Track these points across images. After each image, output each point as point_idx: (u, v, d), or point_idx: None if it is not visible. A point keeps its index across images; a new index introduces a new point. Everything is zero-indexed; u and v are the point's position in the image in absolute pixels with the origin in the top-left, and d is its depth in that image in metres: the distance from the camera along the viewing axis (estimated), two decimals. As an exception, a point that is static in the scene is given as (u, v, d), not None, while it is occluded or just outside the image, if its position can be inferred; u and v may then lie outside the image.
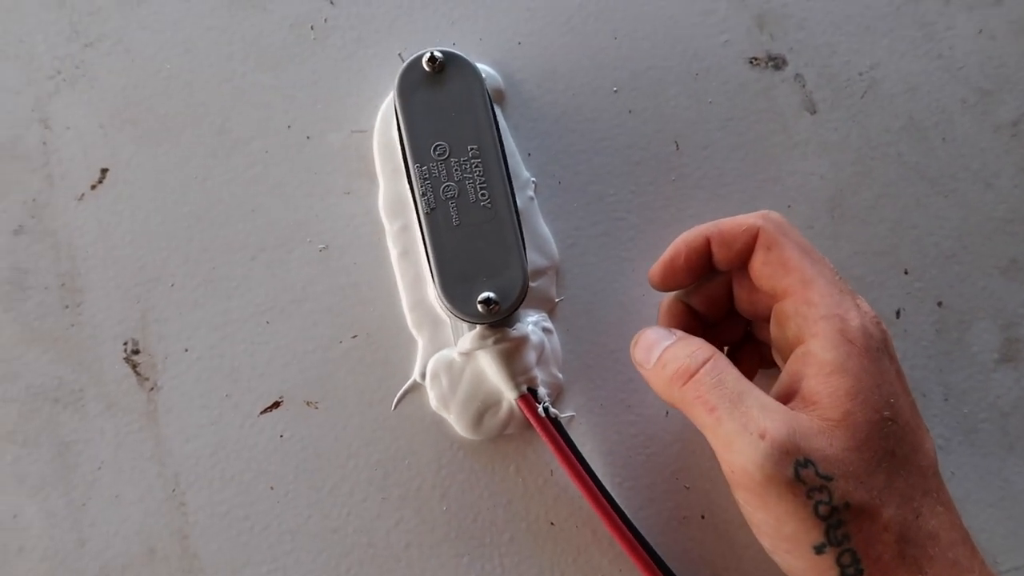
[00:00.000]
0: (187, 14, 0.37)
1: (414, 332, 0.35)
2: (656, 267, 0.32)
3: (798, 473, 0.25)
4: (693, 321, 0.33)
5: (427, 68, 0.32)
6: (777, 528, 0.26)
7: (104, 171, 0.36)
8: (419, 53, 0.32)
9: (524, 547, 0.34)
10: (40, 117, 0.37)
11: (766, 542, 0.27)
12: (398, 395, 0.35)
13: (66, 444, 0.35)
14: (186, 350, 0.35)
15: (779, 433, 0.25)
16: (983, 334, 0.37)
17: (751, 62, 0.38)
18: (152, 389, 0.35)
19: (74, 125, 0.37)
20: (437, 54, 0.32)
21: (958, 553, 0.26)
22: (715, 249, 0.31)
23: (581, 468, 0.33)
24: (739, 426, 0.26)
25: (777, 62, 0.38)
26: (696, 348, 0.28)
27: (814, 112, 0.38)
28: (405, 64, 0.32)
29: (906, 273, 0.37)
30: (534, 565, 0.34)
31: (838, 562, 0.25)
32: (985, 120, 0.38)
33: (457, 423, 0.35)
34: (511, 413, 0.34)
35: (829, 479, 0.25)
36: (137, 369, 0.35)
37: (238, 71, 0.37)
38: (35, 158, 0.36)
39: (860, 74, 0.38)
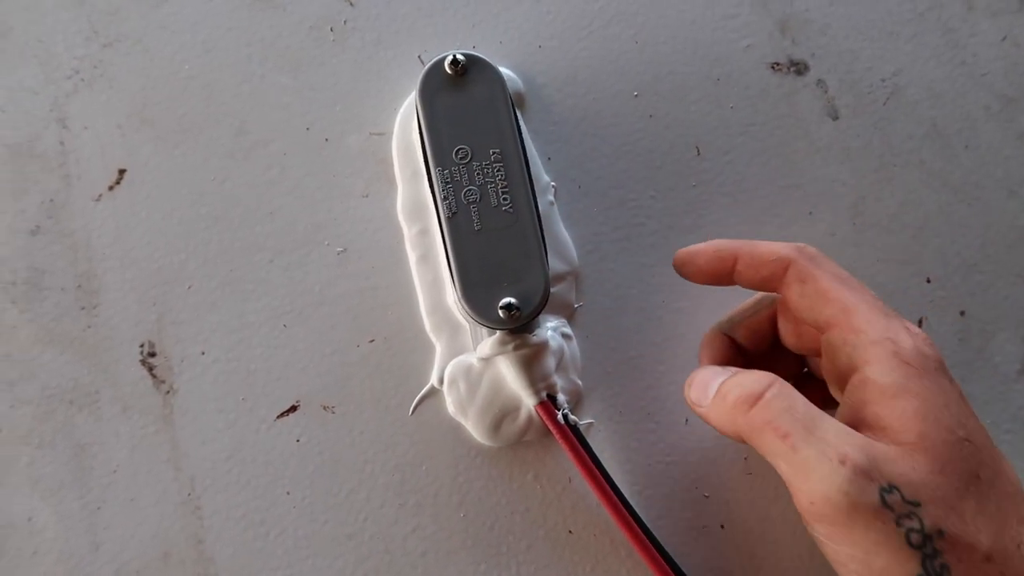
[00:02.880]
0: (206, 15, 0.37)
1: (432, 337, 0.35)
2: (684, 252, 0.31)
3: (884, 499, 0.23)
4: (737, 356, 0.32)
5: (449, 71, 0.32)
6: (867, 563, 0.24)
7: (122, 172, 0.36)
8: (441, 55, 0.32)
9: (542, 555, 0.34)
10: (58, 117, 0.36)
11: None
12: (416, 400, 0.35)
13: (81, 446, 0.34)
14: (203, 353, 0.35)
15: (860, 457, 0.24)
16: (1006, 344, 0.37)
17: (773, 67, 0.38)
18: (168, 392, 0.35)
19: (92, 125, 0.36)
20: (459, 57, 0.32)
21: None
22: (741, 268, 0.30)
23: (600, 476, 0.32)
24: (817, 452, 0.24)
25: (799, 67, 0.38)
26: (759, 375, 0.27)
27: (836, 118, 0.38)
28: (427, 67, 0.32)
29: (928, 281, 0.37)
30: (552, 573, 0.34)
31: None
32: (1009, 127, 0.38)
33: (475, 429, 0.34)
34: (530, 420, 0.34)
35: (917, 505, 0.23)
36: (153, 372, 0.35)
37: (257, 72, 0.37)
38: (52, 158, 0.36)
39: (883, 80, 0.38)
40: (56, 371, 0.35)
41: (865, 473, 0.23)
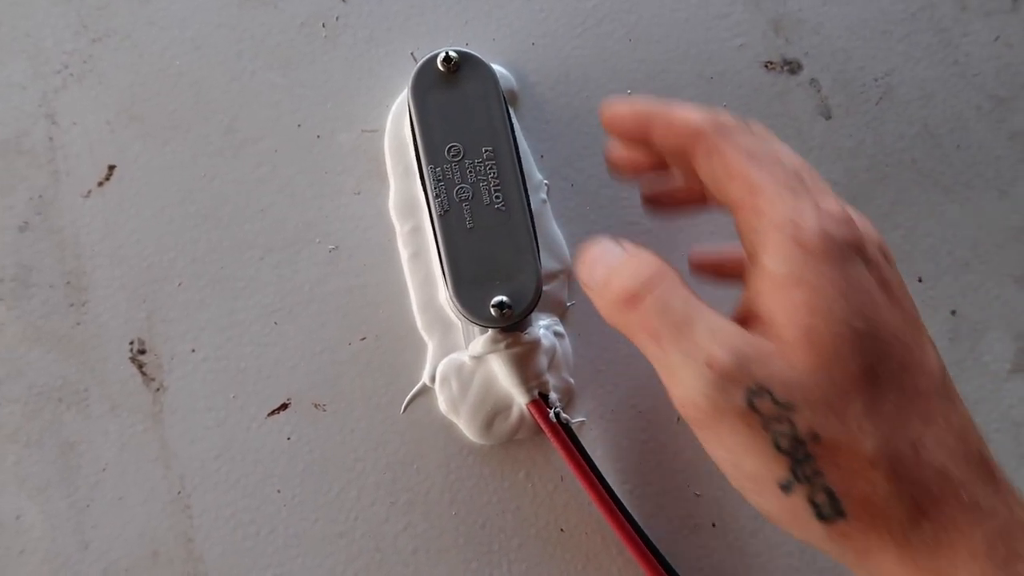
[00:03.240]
0: (197, 11, 0.37)
1: (424, 335, 0.35)
2: (607, 110, 0.28)
3: (752, 402, 0.22)
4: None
5: (442, 68, 0.32)
6: (737, 466, 0.23)
7: (111, 168, 0.36)
8: (434, 53, 0.32)
9: (533, 553, 0.34)
10: (47, 112, 0.36)
11: (733, 483, 0.24)
12: (407, 398, 0.35)
13: (70, 444, 0.34)
14: (193, 351, 0.35)
15: (728, 359, 0.22)
16: (996, 344, 0.37)
17: (766, 66, 0.38)
18: (158, 390, 0.35)
19: (81, 121, 0.36)
20: (452, 54, 0.32)
21: (977, 492, 0.21)
22: (655, 136, 0.27)
23: (592, 474, 0.32)
24: (683, 355, 0.23)
25: (792, 66, 0.38)
26: (642, 266, 0.25)
27: (829, 117, 0.38)
28: (420, 64, 0.32)
29: (920, 281, 0.37)
30: (543, 571, 0.34)
31: (812, 501, 0.22)
32: (1000, 128, 0.38)
33: (467, 427, 0.34)
34: (522, 418, 0.34)
35: (790, 407, 0.21)
36: (143, 369, 0.35)
37: (248, 69, 0.37)
38: (41, 154, 0.36)
39: (875, 80, 0.38)
40: (44, 369, 0.35)
41: (731, 376, 0.22)
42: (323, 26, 0.37)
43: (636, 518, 0.33)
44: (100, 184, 0.36)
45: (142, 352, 0.35)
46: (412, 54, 0.37)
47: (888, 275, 0.24)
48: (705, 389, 0.22)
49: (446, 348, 0.35)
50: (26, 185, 0.36)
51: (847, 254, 0.23)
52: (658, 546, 0.32)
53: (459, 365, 0.34)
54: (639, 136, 0.27)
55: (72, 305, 0.35)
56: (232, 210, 0.36)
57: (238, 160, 0.36)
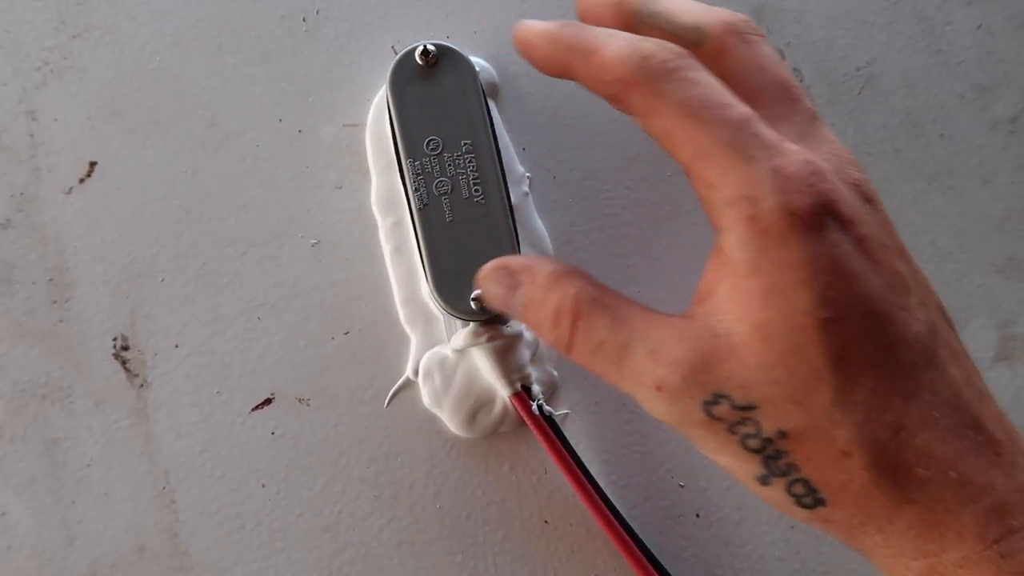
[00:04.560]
0: (176, 5, 0.37)
1: (407, 329, 0.35)
2: (522, 31, 0.26)
3: (710, 412, 0.21)
4: None
5: (420, 61, 0.32)
6: (717, 463, 0.23)
7: (92, 164, 0.36)
8: (412, 46, 0.32)
9: (518, 546, 0.34)
10: (27, 109, 0.36)
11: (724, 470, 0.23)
12: (391, 392, 0.35)
13: (54, 441, 0.34)
14: (176, 346, 0.35)
15: (674, 377, 0.21)
16: (979, 332, 0.37)
17: (748, 56, 0.38)
18: (142, 386, 0.35)
19: (62, 117, 0.36)
20: (430, 47, 0.32)
21: (969, 467, 0.20)
22: (580, 78, 0.24)
23: (575, 466, 0.33)
24: (633, 385, 0.22)
25: (774, 57, 0.38)
26: (555, 304, 0.23)
27: (811, 107, 0.38)
28: (398, 57, 0.32)
29: (902, 270, 0.37)
30: (527, 564, 0.34)
31: (790, 492, 0.21)
32: (983, 116, 0.38)
33: (450, 421, 0.34)
34: (505, 411, 0.34)
35: (751, 408, 0.21)
36: (126, 365, 0.35)
37: (228, 63, 0.37)
38: (22, 151, 0.36)
39: (857, 69, 0.38)
40: (27, 366, 0.35)
41: (683, 392, 0.21)
42: (303, 20, 0.37)
43: (620, 509, 0.33)
44: (82, 180, 0.36)
45: (125, 348, 0.35)
46: (393, 47, 0.37)
47: (867, 229, 0.21)
48: (662, 410, 0.22)
49: (429, 342, 0.35)
50: (7, 182, 0.36)
51: (813, 225, 0.20)
52: (642, 537, 0.33)
53: (442, 359, 0.34)
54: (560, 72, 0.24)
55: (55, 302, 0.35)
56: (214, 205, 0.36)
57: (220, 155, 0.36)
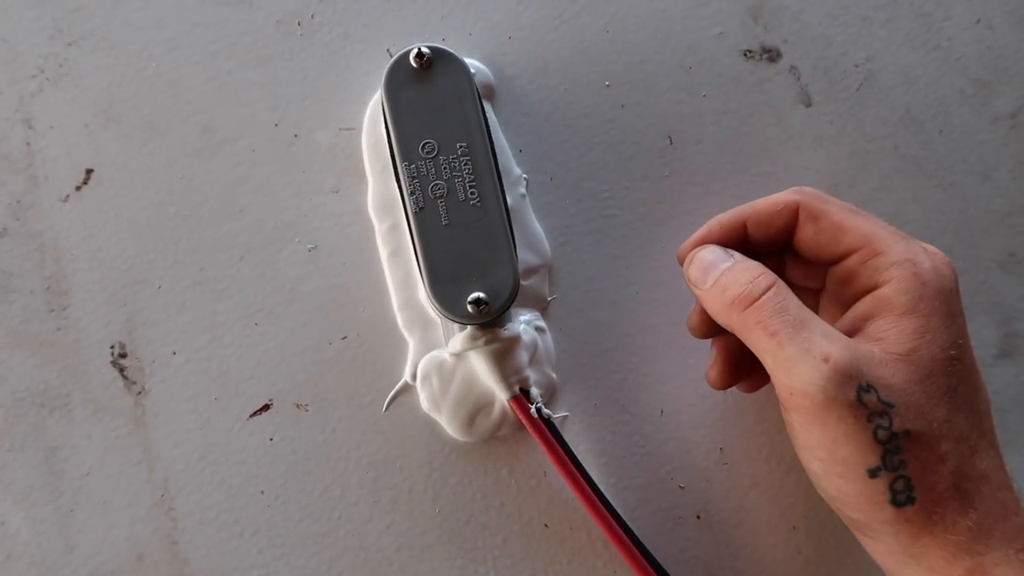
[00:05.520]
0: (172, 11, 0.37)
1: (405, 333, 0.35)
2: (686, 244, 0.31)
3: (860, 397, 0.25)
4: (741, 244, 0.32)
5: (414, 64, 0.32)
6: (832, 451, 0.26)
7: (89, 172, 0.36)
8: (406, 49, 0.32)
9: (517, 550, 0.34)
10: (23, 117, 0.36)
11: (817, 466, 0.27)
12: (389, 397, 0.35)
13: (53, 449, 0.34)
14: (174, 353, 0.35)
15: (843, 358, 0.26)
16: (981, 330, 0.37)
17: (745, 55, 0.38)
18: (140, 393, 0.35)
19: (58, 125, 0.36)
20: (424, 50, 0.31)
21: (1006, 496, 0.26)
22: (752, 231, 0.30)
23: (574, 469, 0.32)
24: (801, 350, 0.26)
25: (772, 54, 0.38)
26: (758, 274, 0.28)
27: (809, 105, 0.37)
28: (392, 61, 0.32)
29: (904, 268, 0.37)
30: (527, 568, 0.34)
31: (891, 487, 0.26)
32: (983, 112, 0.38)
33: (449, 425, 0.34)
34: (503, 414, 0.34)
35: (890, 405, 0.25)
36: (124, 373, 0.35)
37: (224, 68, 0.36)
38: (19, 159, 0.36)
39: (856, 66, 0.38)
40: (26, 374, 0.35)
41: (845, 371, 0.25)
42: (299, 24, 0.37)
43: (620, 512, 0.32)
44: (78, 188, 0.36)
45: (123, 356, 0.35)
46: (388, 50, 0.37)
47: (962, 309, 0.28)
48: (821, 381, 0.26)
49: (427, 346, 0.35)
50: (4, 190, 0.36)
51: (952, 289, 0.28)
52: (643, 539, 0.32)
53: (440, 362, 0.34)
54: (734, 236, 0.31)
55: (53, 310, 0.35)
56: (211, 211, 0.36)
57: (216, 160, 0.36)
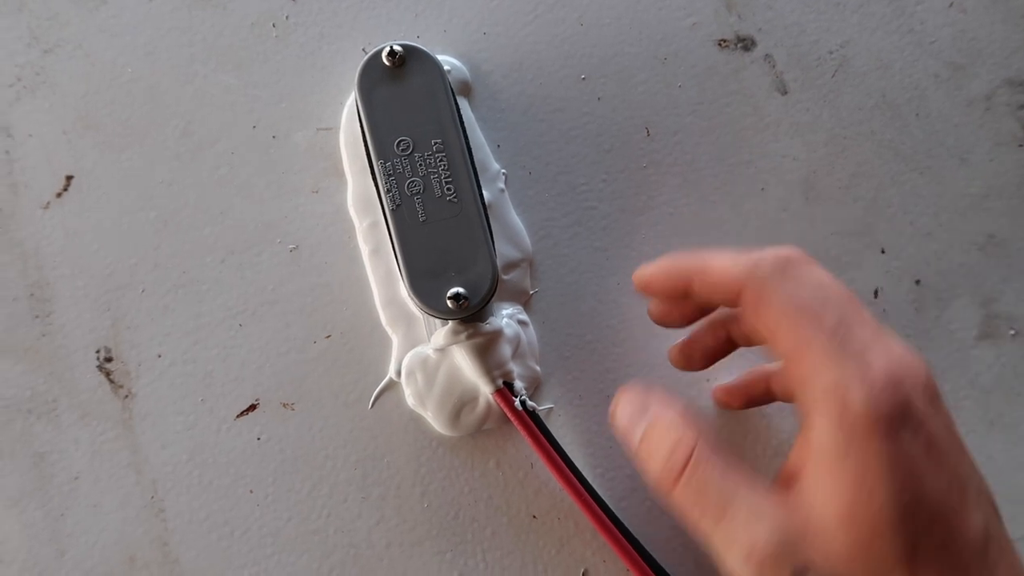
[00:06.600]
0: (146, 17, 0.37)
1: (388, 330, 0.35)
2: (639, 275, 0.30)
3: None
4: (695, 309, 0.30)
5: (387, 63, 0.32)
6: None
7: (69, 178, 0.36)
8: (378, 48, 0.32)
9: (506, 541, 0.34)
10: (1, 126, 0.36)
11: None
12: (374, 394, 0.35)
13: (41, 455, 0.34)
14: (159, 356, 0.35)
15: (770, 544, 0.23)
16: (962, 311, 0.37)
17: (720, 44, 0.38)
18: (127, 397, 0.35)
19: (37, 133, 0.36)
20: (397, 48, 0.32)
21: None
22: (696, 292, 0.28)
23: (560, 460, 0.33)
24: (726, 541, 0.24)
25: (746, 43, 0.38)
26: (676, 440, 0.26)
27: (785, 93, 0.38)
28: (364, 60, 0.32)
29: (883, 252, 0.37)
30: (517, 559, 0.34)
31: None
32: (958, 95, 0.38)
33: (435, 420, 0.34)
34: (488, 408, 0.34)
35: None
36: (111, 377, 0.35)
37: (200, 72, 0.37)
38: (-1, 168, 0.36)
39: (830, 53, 0.38)
40: (12, 381, 0.35)
41: (775, 560, 0.23)
42: (273, 26, 0.37)
43: (607, 501, 0.33)
44: (59, 195, 0.36)
45: (109, 360, 0.35)
46: (363, 49, 0.37)
47: (934, 430, 0.23)
48: (744, 574, 0.23)
49: (410, 342, 0.35)
50: (-15, 199, 0.36)
51: (893, 425, 0.22)
52: (630, 528, 0.33)
53: (424, 358, 0.34)
54: (677, 294, 0.29)
55: (37, 317, 0.35)
56: (191, 214, 0.36)
57: (195, 164, 0.36)
